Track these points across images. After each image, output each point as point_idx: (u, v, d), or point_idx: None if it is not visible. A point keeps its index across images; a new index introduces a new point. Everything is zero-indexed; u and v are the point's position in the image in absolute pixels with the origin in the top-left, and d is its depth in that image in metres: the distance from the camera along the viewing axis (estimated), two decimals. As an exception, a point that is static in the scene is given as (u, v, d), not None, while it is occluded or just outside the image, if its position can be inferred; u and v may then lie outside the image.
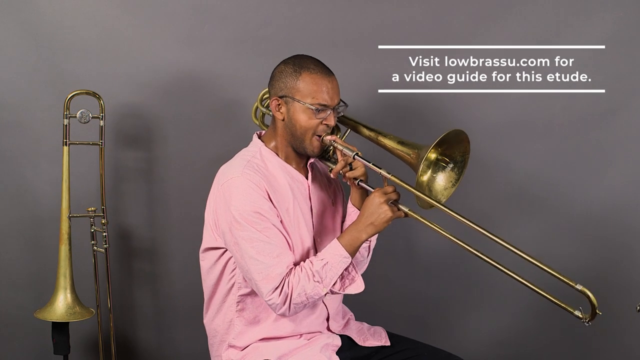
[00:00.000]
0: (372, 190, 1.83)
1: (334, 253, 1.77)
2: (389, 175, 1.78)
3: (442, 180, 1.90)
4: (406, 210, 1.78)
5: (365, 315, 2.11)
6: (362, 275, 2.00)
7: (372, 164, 1.80)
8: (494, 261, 1.72)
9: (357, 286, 1.82)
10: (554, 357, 2.70)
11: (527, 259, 1.68)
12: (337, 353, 1.87)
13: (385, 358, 1.95)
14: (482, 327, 2.68)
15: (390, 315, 2.64)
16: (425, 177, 1.87)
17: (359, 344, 1.96)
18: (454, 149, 1.87)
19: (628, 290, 2.61)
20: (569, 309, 1.66)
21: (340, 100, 1.87)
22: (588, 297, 1.60)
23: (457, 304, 2.68)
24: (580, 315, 1.65)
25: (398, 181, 1.78)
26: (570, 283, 1.62)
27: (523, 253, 1.69)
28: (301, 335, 1.89)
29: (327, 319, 1.96)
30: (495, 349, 2.69)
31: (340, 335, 1.95)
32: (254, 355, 1.84)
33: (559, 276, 1.64)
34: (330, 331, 1.96)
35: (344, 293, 1.82)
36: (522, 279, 1.71)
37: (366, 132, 1.98)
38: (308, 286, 1.74)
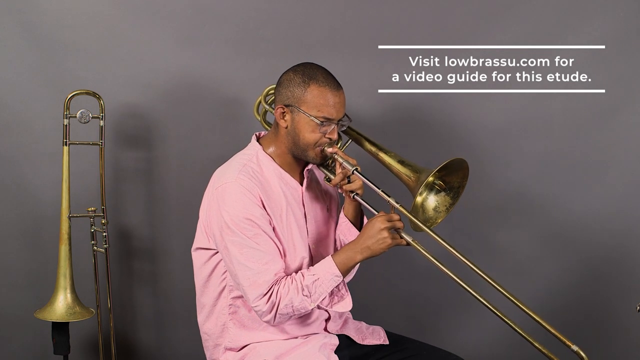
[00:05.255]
0: (369, 206, 1.85)
1: (326, 270, 1.77)
2: (397, 205, 1.78)
3: (436, 203, 1.92)
4: (409, 239, 1.77)
5: (364, 315, 2.11)
6: (358, 275, 2.00)
7: (370, 182, 1.81)
8: (489, 303, 1.71)
9: (345, 304, 1.82)
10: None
11: (527, 313, 1.70)
12: (336, 352, 1.87)
13: (384, 357, 1.94)
14: (481, 327, 2.68)
15: (389, 315, 2.64)
16: (420, 199, 1.88)
17: (358, 342, 1.96)
18: (453, 175, 1.89)
19: (628, 290, 2.61)
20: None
21: (345, 114, 1.87)
22: (580, 356, 1.61)
23: (456, 304, 2.67)
24: None
25: (397, 205, 1.78)
26: (567, 343, 1.63)
27: (523, 305, 1.71)
28: (298, 336, 1.89)
29: (327, 320, 1.96)
30: (494, 349, 2.69)
31: (339, 335, 1.95)
32: (252, 356, 1.84)
33: (557, 334, 1.65)
34: (327, 331, 1.96)
35: (331, 309, 1.83)
36: (515, 325, 1.70)
37: (368, 146, 1.98)
38: (296, 299, 1.74)
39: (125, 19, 2.45)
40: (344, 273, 1.78)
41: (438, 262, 1.74)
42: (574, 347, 1.61)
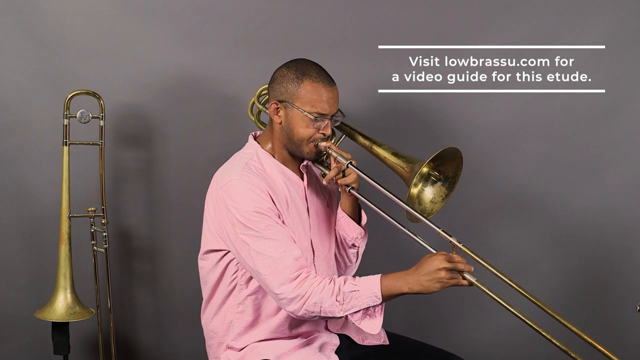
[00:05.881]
0: (365, 200, 1.83)
1: (369, 287, 1.70)
2: (392, 196, 1.75)
3: (432, 194, 1.91)
4: (472, 280, 1.66)
5: (364, 315, 2.11)
6: (359, 275, 2.01)
7: (365, 175, 1.81)
8: (515, 309, 1.68)
9: (373, 325, 1.72)
10: (554, 357, 2.70)
11: (545, 311, 1.69)
12: (336, 352, 1.87)
13: (384, 357, 1.94)
14: (481, 327, 2.68)
15: (389, 316, 2.62)
16: (415, 190, 1.88)
17: (358, 342, 1.96)
18: (447, 165, 1.89)
19: (628, 290, 2.61)
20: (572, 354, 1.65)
21: (338, 109, 1.87)
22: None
23: (456, 304, 2.68)
24: None
25: (392, 196, 1.77)
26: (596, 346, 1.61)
27: (544, 305, 1.69)
28: (299, 335, 1.89)
29: (327, 319, 1.96)
30: (494, 349, 2.69)
31: (339, 335, 1.95)
32: (252, 355, 1.84)
33: (577, 331, 1.65)
34: (329, 330, 1.96)
35: (358, 325, 1.73)
36: (537, 326, 1.67)
37: (361, 140, 1.99)
38: (327, 301, 1.69)
39: (125, 19, 2.45)
40: (384, 298, 1.71)
41: (504, 302, 1.67)
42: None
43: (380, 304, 1.71)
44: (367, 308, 1.71)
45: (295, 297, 1.70)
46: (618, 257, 2.64)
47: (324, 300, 1.69)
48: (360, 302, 1.70)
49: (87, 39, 2.44)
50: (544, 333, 1.65)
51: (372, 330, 1.72)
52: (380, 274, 1.72)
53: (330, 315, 1.71)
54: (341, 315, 1.70)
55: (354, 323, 1.73)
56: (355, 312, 1.71)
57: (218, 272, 1.87)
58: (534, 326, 1.65)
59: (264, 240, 1.73)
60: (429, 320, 2.70)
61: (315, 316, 1.73)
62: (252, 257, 1.75)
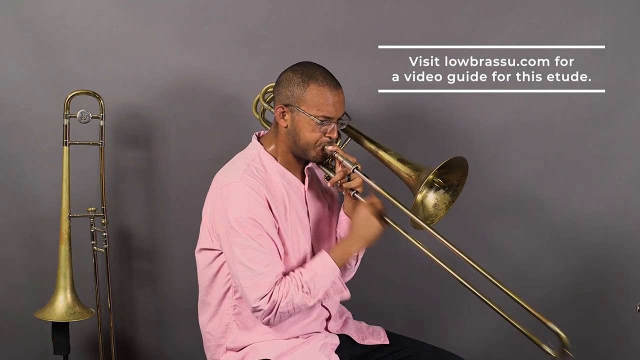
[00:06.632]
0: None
1: (323, 265, 1.79)
2: (397, 203, 1.80)
3: (436, 201, 1.92)
4: (390, 222, 1.81)
5: (364, 315, 2.11)
6: (359, 275, 2.01)
7: (370, 180, 1.82)
8: (470, 285, 1.75)
9: (343, 295, 1.84)
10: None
11: (509, 295, 1.71)
12: (336, 352, 1.87)
13: (384, 357, 1.95)
14: (481, 326, 2.68)
15: (389, 315, 2.64)
16: (420, 197, 1.88)
17: (358, 342, 1.96)
18: (452, 173, 1.89)
19: (628, 291, 2.61)
20: (539, 343, 1.68)
21: (345, 112, 1.87)
22: (559, 336, 1.61)
23: (456, 304, 2.67)
24: (551, 353, 1.66)
25: (397, 203, 1.79)
26: (545, 322, 1.64)
27: (505, 288, 1.72)
28: (298, 336, 1.89)
29: (327, 319, 1.96)
30: (494, 348, 2.69)
31: (339, 335, 1.95)
32: (253, 355, 1.84)
33: (537, 314, 1.66)
34: (328, 331, 1.96)
35: (332, 299, 1.85)
36: (499, 308, 1.73)
37: (367, 144, 1.99)
38: (297, 297, 1.75)
39: (125, 19, 2.45)
40: (341, 266, 1.81)
41: (421, 245, 1.79)
42: (551, 325, 1.61)
43: (341, 275, 1.81)
44: (333, 282, 1.79)
45: (267, 309, 1.74)
46: (618, 257, 2.64)
47: (294, 298, 1.75)
48: (323, 282, 1.78)
49: (87, 39, 2.44)
50: (508, 318, 1.72)
51: (344, 297, 1.83)
52: (323, 250, 1.83)
53: (304, 307, 1.77)
54: (313, 302, 1.77)
55: (324, 306, 1.83)
56: (324, 292, 1.78)
57: (212, 272, 1.88)
58: (497, 309, 1.72)
59: (250, 249, 1.74)
60: (429, 320, 2.70)
61: (290, 315, 1.78)
62: (236, 266, 1.76)
